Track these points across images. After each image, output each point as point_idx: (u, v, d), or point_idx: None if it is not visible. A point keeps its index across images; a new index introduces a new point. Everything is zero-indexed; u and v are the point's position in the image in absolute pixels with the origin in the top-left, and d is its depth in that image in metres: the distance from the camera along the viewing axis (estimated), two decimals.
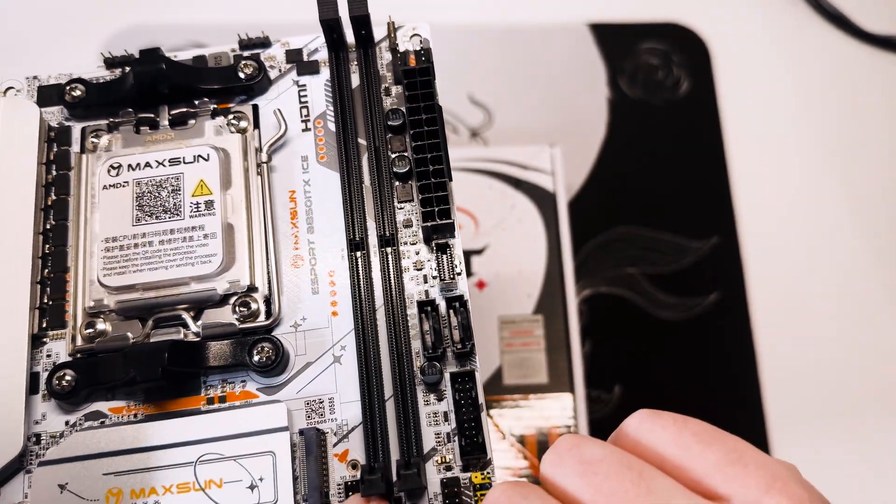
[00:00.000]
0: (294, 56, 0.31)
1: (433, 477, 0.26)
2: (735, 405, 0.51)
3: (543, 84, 0.60)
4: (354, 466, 0.26)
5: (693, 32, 0.62)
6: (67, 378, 0.26)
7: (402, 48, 0.31)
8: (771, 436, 0.50)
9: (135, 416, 0.27)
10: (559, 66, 0.61)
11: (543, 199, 0.51)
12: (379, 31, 0.31)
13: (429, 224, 0.27)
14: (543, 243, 0.49)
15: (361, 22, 0.30)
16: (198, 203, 0.28)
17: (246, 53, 0.31)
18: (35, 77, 0.31)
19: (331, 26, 0.30)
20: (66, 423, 0.26)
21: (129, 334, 0.27)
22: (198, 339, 0.27)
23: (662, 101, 0.60)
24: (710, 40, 0.62)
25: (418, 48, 0.31)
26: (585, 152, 0.58)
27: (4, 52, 0.58)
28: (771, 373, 0.52)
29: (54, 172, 0.29)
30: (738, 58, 0.62)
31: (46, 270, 0.28)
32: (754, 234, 0.56)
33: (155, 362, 0.25)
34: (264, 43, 0.31)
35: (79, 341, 0.27)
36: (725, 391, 0.52)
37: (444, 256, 0.28)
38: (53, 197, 0.29)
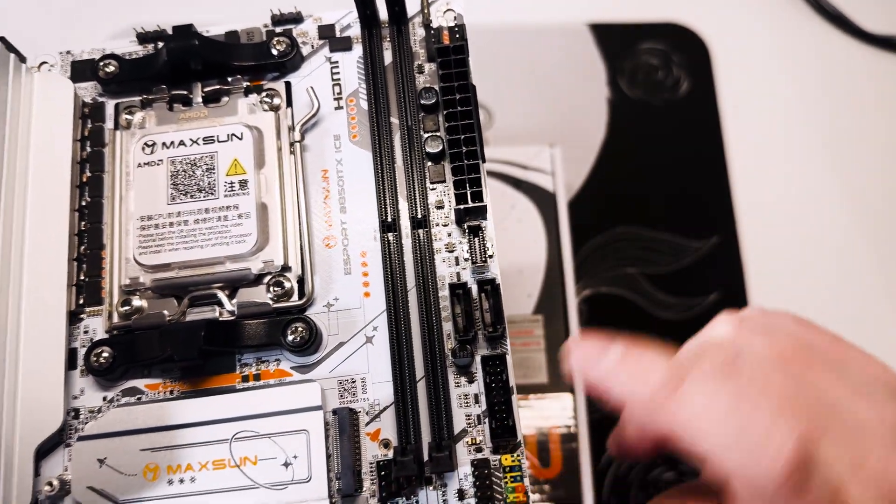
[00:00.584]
0: (326, 32, 0.31)
1: (463, 458, 0.26)
2: None
3: (543, 84, 0.60)
4: (386, 445, 0.26)
5: (693, 32, 0.62)
6: (104, 355, 0.27)
7: (435, 24, 0.30)
8: None
9: (171, 392, 0.27)
10: (559, 67, 0.60)
11: (543, 199, 0.52)
12: (412, 7, 0.31)
13: (461, 207, 0.27)
14: (543, 243, 0.50)
15: (396, 5, 0.29)
16: (232, 182, 0.28)
17: (278, 29, 0.31)
18: (68, 52, 0.31)
19: (363, 1, 0.29)
20: (104, 398, 0.27)
21: (166, 312, 0.27)
22: (232, 317, 0.27)
23: (662, 102, 0.60)
24: (709, 40, 0.62)
25: (452, 24, 0.30)
26: (585, 152, 0.58)
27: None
28: None
29: (89, 149, 0.29)
30: (738, 58, 0.62)
31: (83, 247, 0.28)
32: (754, 235, 0.56)
33: (192, 341, 0.26)
34: (297, 18, 0.31)
35: (115, 318, 0.27)
36: None
37: (476, 239, 0.28)
38: (88, 174, 0.29)
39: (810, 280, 0.55)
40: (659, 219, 0.56)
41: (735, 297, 0.54)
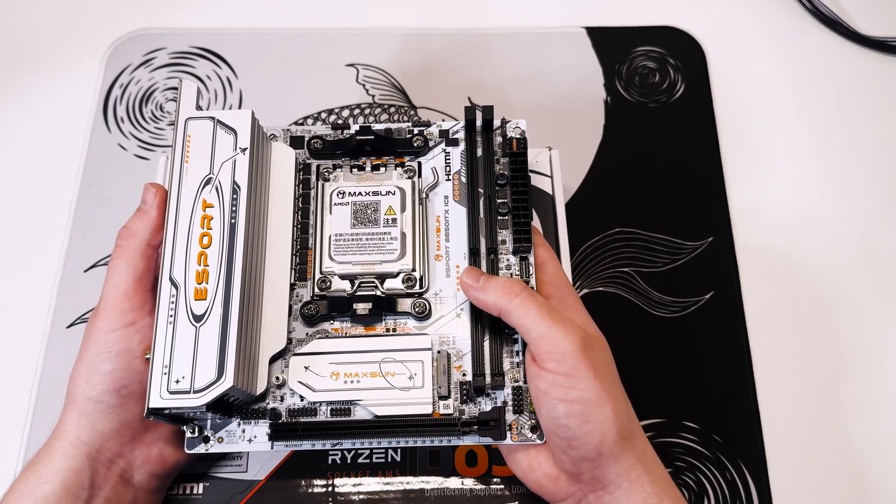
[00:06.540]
0: (444, 134, 0.51)
1: (508, 384, 0.46)
2: (729, 399, 0.53)
3: (541, 87, 0.61)
4: (464, 374, 0.46)
5: (689, 36, 0.63)
6: (309, 308, 0.47)
7: (508, 134, 0.51)
8: (765, 429, 0.52)
9: (345, 333, 0.47)
10: (557, 70, 0.61)
11: (541, 201, 0.53)
12: (496, 122, 0.51)
13: (517, 245, 0.48)
14: None
15: (487, 119, 0.50)
16: (388, 219, 0.48)
17: (416, 130, 0.51)
18: (287, 129, 0.52)
19: (470, 120, 0.50)
20: (307, 333, 0.47)
21: (345, 288, 0.47)
22: (383, 295, 0.48)
23: (658, 104, 0.60)
24: (705, 44, 0.62)
25: (518, 136, 0.51)
26: (582, 154, 0.58)
27: (15, 55, 0.61)
28: (764, 369, 0.54)
29: (301, 190, 0.50)
30: (734, 61, 0.62)
31: (297, 247, 0.49)
32: (748, 235, 0.56)
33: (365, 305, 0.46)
34: (427, 124, 0.51)
35: (315, 290, 0.48)
36: (720, 386, 0.53)
37: (524, 263, 0.48)
38: (301, 205, 0.50)
39: (803, 280, 0.56)
40: (654, 219, 0.57)
41: (729, 296, 0.55)
